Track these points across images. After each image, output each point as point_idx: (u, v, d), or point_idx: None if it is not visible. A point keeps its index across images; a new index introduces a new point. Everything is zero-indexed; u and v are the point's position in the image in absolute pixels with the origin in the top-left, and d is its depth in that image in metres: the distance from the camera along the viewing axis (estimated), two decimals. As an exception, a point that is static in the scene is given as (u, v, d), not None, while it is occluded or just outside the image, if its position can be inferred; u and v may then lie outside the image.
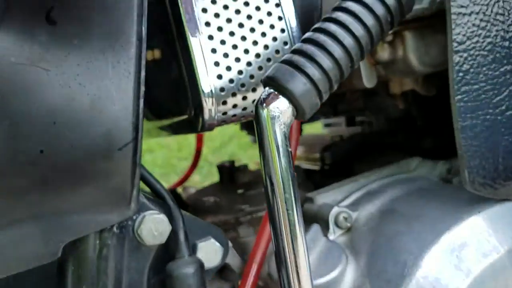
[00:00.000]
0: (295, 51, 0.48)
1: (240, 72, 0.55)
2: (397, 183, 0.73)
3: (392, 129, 1.10)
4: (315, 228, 0.68)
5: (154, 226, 0.52)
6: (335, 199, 0.73)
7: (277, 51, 0.56)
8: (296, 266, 0.50)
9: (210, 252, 0.61)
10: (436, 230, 0.57)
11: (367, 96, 0.97)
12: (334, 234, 0.66)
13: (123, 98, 0.48)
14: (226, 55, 0.54)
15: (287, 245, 0.49)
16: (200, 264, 0.58)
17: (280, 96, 0.47)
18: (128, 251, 0.52)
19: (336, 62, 0.47)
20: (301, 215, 0.49)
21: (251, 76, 0.55)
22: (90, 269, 0.51)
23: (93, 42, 0.46)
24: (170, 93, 0.63)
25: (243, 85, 0.55)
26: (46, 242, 0.46)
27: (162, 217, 0.53)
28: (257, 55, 0.55)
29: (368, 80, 0.66)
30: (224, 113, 0.56)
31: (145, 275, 0.53)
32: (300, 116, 0.48)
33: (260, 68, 0.55)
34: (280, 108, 0.47)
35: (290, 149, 0.48)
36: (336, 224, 0.66)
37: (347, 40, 0.47)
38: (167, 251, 0.57)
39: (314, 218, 0.70)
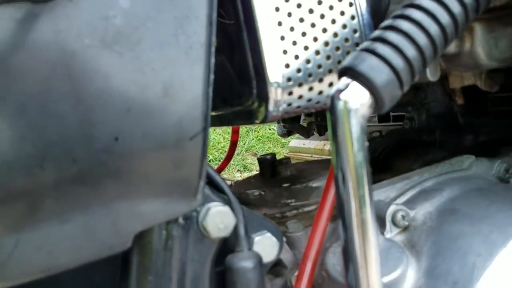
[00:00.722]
0: (375, 39, 0.45)
1: (308, 61, 0.52)
2: (453, 182, 0.71)
3: (433, 126, 1.08)
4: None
5: (219, 219, 0.50)
6: (388, 196, 0.71)
7: (347, 40, 0.54)
8: (367, 267, 0.48)
9: (266, 246, 0.59)
10: (506, 232, 0.55)
11: (414, 90, 0.94)
12: (391, 232, 0.64)
13: (194, 86, 0.46)
14: (294, 43, 0.52)
15: (358, 244, 0.47)
16: (259, 259, 0.56)
17: (360, 86, 0.44)
18: (192, 243, 0.51)
19: (421, 52, 0.45)
20: (374, 213, 0.47)
21: (319, 66, 0.53)
22: (155, 260, 0.49)
23: (166, 26, 0.44)
24: (229, 82, 0.61)
25: (310, 75, 0.53)
26: (117, 231, 0.44)
27: (227, 209, 0.51)
28: (326, 44, 0.53)
29: (432, 73, 0.63)
30: (289, 104, 0.54)
31: (208, 268, 0.52)
32: (379, 108, 0.45)
33: (328, 57, 0.53)
34: (359, 99, 0.44)
35: (367, 143, 0.46)
36: (393, 222, 0.64)
37: (433, 28, 0.45)
38: (225, 244, 0.56)
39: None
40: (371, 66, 0.44)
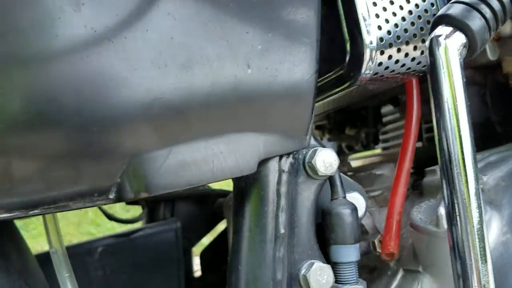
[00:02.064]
0: (464, -5, 0.54)
1: (396, 25, 0.60)
2: (515, 154, 0.76)
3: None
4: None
5: (326, 158, 0.56)
6: (455, 171, 0.76)
7: (426, 10, 0.62)
8: (470, 206, 0.52)
9: (354, 203, 0.64)
10: None
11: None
12: (466, 196, 0.69)
13: (310, 33, 0.54)
14: (384, 9, 0.60)
15: (461, 179, 0.52)
16: (354, 206, 0.60)
17: (456, 31, 0.52)
18: (300, 181, 0.56)
19: (502, 4, 0.53)
20: (473, 141, 0.52)
21: (405, 30, 0.61)
22: (270, 192, 0.54)
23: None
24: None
25: (398, 37, 0.60)
26: (246, 156, 0.50)
27: (331, 151, 0.57)
28: (410, 12, 0.61)
29: (492, 53, 0.71)
30: (380, 64, 0.61)
31: (314, 205, 0.57)
32: (472, 50, 0.53)
33: (412, 23, 0.61)
34: (456, 41, 0.52)
35: (464, 79, 0.52)
36: (468, 186, 0.69)
37: (511, -11, 0.53)
38: (319, 202, 0.60)
39: (439, 188, 0.73)
40: (464, 13, 0.52)
